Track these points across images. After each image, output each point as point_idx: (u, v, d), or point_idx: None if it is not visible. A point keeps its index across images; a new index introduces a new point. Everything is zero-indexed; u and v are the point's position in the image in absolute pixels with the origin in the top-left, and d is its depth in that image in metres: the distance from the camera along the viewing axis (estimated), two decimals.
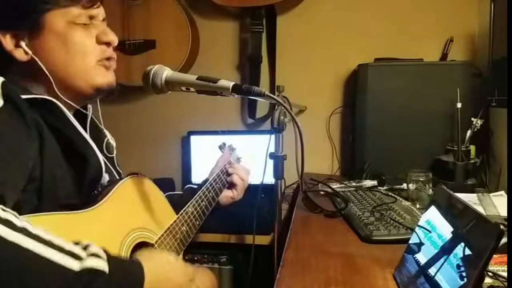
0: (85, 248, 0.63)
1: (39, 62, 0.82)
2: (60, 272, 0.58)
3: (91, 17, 0.87)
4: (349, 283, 0.82)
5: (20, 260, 0.56)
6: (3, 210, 0.59)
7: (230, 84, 0.85)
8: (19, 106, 0.72)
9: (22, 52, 0.81)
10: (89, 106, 1.00)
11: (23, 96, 0.76)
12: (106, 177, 0.92)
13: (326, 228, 1.17)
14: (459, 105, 1.48)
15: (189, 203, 1.08)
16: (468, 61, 1.77)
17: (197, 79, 0.86)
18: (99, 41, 0.89)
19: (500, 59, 1.42)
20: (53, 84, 0.84)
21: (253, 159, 1.45)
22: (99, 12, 0.90)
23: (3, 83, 0.71)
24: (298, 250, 1.00)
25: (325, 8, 1.97)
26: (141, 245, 0.87)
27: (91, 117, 0.98)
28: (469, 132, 1.50)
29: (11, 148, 0.68)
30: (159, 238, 0.93)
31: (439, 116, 1.59)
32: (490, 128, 1.60)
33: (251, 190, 1.36)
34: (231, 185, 1.29)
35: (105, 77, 0.90)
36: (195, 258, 1.81)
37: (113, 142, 1.03)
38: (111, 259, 0.65)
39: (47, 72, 0.83)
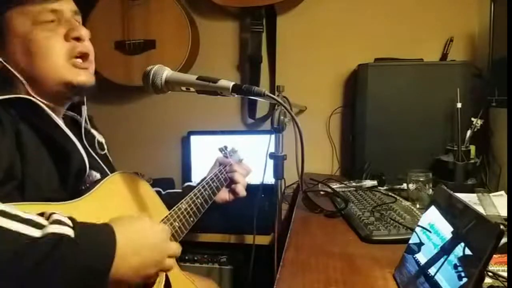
0: (48, 217, 0.61)
1: (9, 67, 0.80)
2: (18, 239, 0.55)
3: (55, 12, 0.83)
4: (349, 283, 0.82)
5: None
6: None
7: (230, 84, 0.85)
8: None
9: None
10: (83, 106, 0.98)
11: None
12: (97, 176, 0.92)
13: (326, 228, 1.17)
14: (459, 105, 1.48)
15: (182, 200, 1.08)
16: (468, 61, 1.77)
17: (197, 79, 0.86)
18: (67, 38, 0.85)
19: (500, 59, 1.41)
20: (26, 86, 0.82)
21: (253, 159, 1.45)
22: (66, 6, 0.86)
23: None
24: (298, 250, 1.00)
25: (325, 8, 1.97)
26: None
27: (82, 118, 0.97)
28: (469, 132, 1.50)
29: None
30: None
31: (439, 116, 1.58)
32: (490, 128, 1.60)
33: (251, 190, 1.36)
34: (232, 185, 1.29)
35: (78, 76, 0.86)
36: (195, 258, 1.81)
37: (101, 139, 1.01)
38: (77, 224, 0.62)
39: (18, 76, 0.81)
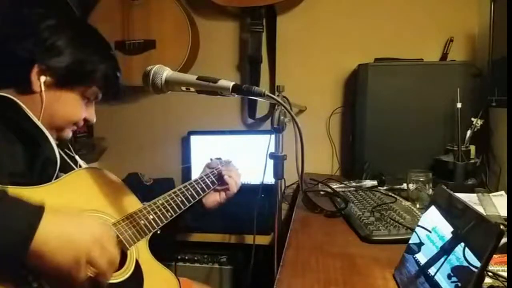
0: None
1: (43, 99, 0.95)
2: None
3: (95, 95, 1.04)
4: (349, 283, 0.82)
5: None
6: None
7: (230, 84, 0.85)
8: None
9: (38, 85, 0.95)
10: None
11: None
12: None
13: (326, 228, 1.17)
14: (459, 105, 1.48)
15: (160, 197, 1.12)
16: (468, 61, 1.77)
17: (197, 79, 0.86)
18: (85, 120, 1.04)
19: (500, 59, 1.41)
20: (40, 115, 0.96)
21: (253, 159, 1.45)
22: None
23: None
24: (298, 250, 1.00)
25: (325, 8, 1.98)
26: None
27: (67, 146, 1.09)
28: (469, 132, 1.50)
29: None
30: (118, 221, 0.97)
31: (439, 116, 1.59)
32: (490, 128, 1.60)
33: (251, 190, 1.36)
34: (222, 188, 1.30)
35: (68, 134, 1.04)
36: (195, 258, 1.81)
37: (82, 164, 1.10)
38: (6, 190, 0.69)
39: (42, 108, 0.95)
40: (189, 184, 1.22)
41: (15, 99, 0.92)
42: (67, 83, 0.97)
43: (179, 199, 1.16)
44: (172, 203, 1.13)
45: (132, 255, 0.97)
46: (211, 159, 1.39)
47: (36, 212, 0.68)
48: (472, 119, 1.50)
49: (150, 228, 1.04)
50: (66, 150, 1.08)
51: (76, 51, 0.97)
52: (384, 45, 1.88)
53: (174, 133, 2.15)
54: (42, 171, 0.91)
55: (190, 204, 1.19)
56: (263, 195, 1.36)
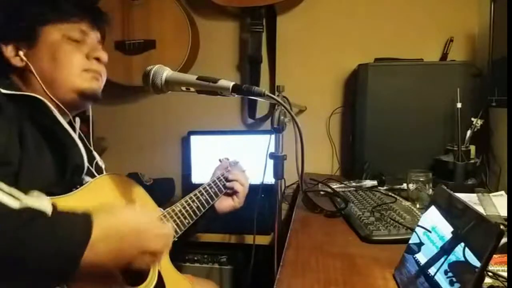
0: (35, 196, 0.65)
1: (32, 69, 0.90)
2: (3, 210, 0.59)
3: (83, 33, 0.96)
4: (349, 283, 0.82)
5: None
6: None
7: (230, 84, 0.85)
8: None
9: (18, 60, 0.91)
10: (89, 107, 1.04)
11: (4, 91, 0.83)
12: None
13: (326, 228, 1.17)
14: (459, 105, 1.48)
15: (177, 203, 1.10)
16: (468, 61, 1.77)
17: (197, 79, 0.86)
18: (88, 57, 0.96)
19: (500, 59, 1.41)
20: (44, 88, 0.91)
21: (253, 159, 1.45)
22: (94, 32, 0.99)
23: None
24: (298, 250, 1.00)
25: (325, 8, 1.98)
26: None
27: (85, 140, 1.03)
28: (469, 132, 1.50)
29: None
30: None
31: (439, 116, 1.59)
32: (490, 128, 1.60)
33: (251, 190, 1.36)
34: (233, 192, 1.30)
35: (89, 83, 0.96)
36: (195, 258, 1.81)
37: (102, 165, 1.04)
38: (53, 206, 0.66)
39: (37, 78, 0.91)
40: (203, 189, 1.21)
41: (42, 98, 0.88)
42: (34, 37, 0.91)
43: (195, 205, 1.15)
44: (189, 209, 1.12)
45: (155, 266, 0.96)
46: (220, 160, 1.38)
47: (85, 221, 0.65)
48: (472, 119, 1.50)
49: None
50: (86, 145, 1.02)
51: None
52: (384, 45, 1.88)
53: (174, 133, 2.15)
54: (71, 177, 0.89)
55: (205, 209, 1.18)
56: (263, 195, 1.36)
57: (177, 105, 2.10)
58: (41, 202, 0.62)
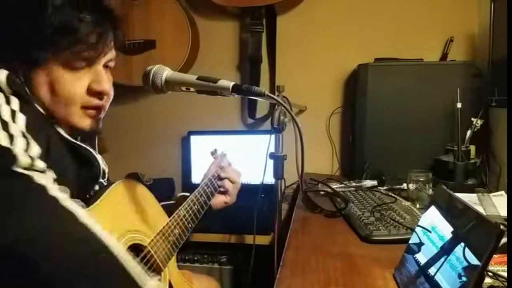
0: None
1: (30, 95, 0.79)
2: (100, 249, 0.59)
3: (87, 60, 0.84)
4: (349, 283, 0.82)
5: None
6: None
7: (230, 84, 0.85)
8: (30, 100, 0.74)
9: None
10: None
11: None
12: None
13: (326, 228, 1.17)
14: (459, 105, 1.48)
15: (181, 207, 1.09)
16: (468, 61, 1.77)
17: (197, 79, 0.86)
18: (90, 91, 0.85)
19: (500, 59, 1.41)
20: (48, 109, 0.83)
21: (253, 159, 1.45)
22: (100, 58, 0.87)
23: (8, 78, 0.71)
24: (298, 250, 1.00)
25: (325, 8, 1.97)
26: (135, 247, 0.87)
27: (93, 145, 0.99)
28: (469, 132, 1.50)
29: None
30: (152, 240, 0.93)
31: (439, 116, 1.59)
32: (490, 128, 1.60)
33: (251, 190, 1.36)
34: (225, 190, 1.29)
35: (84, 122, 0.87)
36: (195, 258, 1.81)
37: (106, 168, 0.99)
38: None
39: (37, 106, 0.80)
40: (201, 190, 1.20)
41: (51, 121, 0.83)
42: (33, 64, 0.80)
43: (196, 207, 1.14)
44: (191, 213, 1.11)
45: (166, 276, 0.96)
46: (212, 154, 1.38)
47: None
48: (472, 119, 1.50)
49: (178, 243, 1.02)
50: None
51: None
52: (384, 45, 1.88)
53: (174, 133, 2.15)
54: (88, 189, 0.88)
55: (204, 210, 1.18)
56: (263, 195, 1.36)
57: (177, 105, 2.10)
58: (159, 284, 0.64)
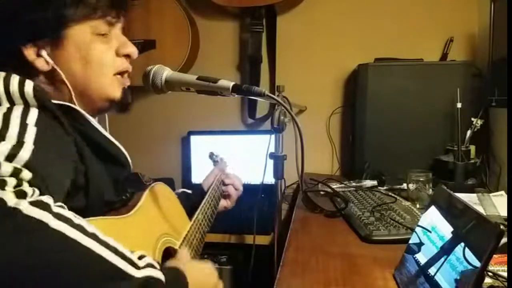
0: (139, 257, 0.63)
1: (60, 72, 0.80)
2: (124, 277, 0.58)
3: (110, 25, 0.85)
4: (349, 283, 0.82)
5: (83, 259, 0.55)
6: (60, 207, 0.57)
7: (230, 84, 0.84)
8: (55, 114, 0.72)
9: (43, 62, 0.79)
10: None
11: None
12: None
13: (326, 228, 1.17)
14: (459, 105, 1.48)
15: (198, 211, 1.08)
16: (468, 61, 1.77)
17: (197, 79, 0.86)
18: (118, 54, 0.87)
19: (500, 59, 1.41)
20: (72, 93, 0.82)
21: (253, 159, 1.45)
22: (118, 21, 0.88)
23: (35, 89, 0.70)
24: (298, 250, 1.00)
25: (325, 8, 1.98)
26: (168, 250, 0.88)
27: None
28: (469, 132, 1.50)
29: (52, 150, 0.67)
30: (181, 243, 0.94)
31: (439, 116, 1.59)
32: (490, 128, 1.60)
33: (251, 190, 1.36)
34: (227, 195, 1.30)
35: (117, 91, 0.89)
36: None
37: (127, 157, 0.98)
38: (163, 270, 0.65)
39: (67, 82, 0.81)
40: (212, 194, 1.20)
41: (77, 107, 0.80)
42: (61, 36, 0.79)
43: (209, 211, 1.14)
44: (206, 217, 1.12)
45: None
46: (211, 157, 1.38)
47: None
48: (472, 119, 1.50)
49: (199, 247, 1.03)
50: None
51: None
52: (384, 45, 1.88)
53: (174, 133, 2.15)
54: (123, 186, 0.87)
55: (215, 214, 1.19)
56: (263, 195, 1.36)
57: (177, 105, 2.10)
58: (156, 271, 0.62)
